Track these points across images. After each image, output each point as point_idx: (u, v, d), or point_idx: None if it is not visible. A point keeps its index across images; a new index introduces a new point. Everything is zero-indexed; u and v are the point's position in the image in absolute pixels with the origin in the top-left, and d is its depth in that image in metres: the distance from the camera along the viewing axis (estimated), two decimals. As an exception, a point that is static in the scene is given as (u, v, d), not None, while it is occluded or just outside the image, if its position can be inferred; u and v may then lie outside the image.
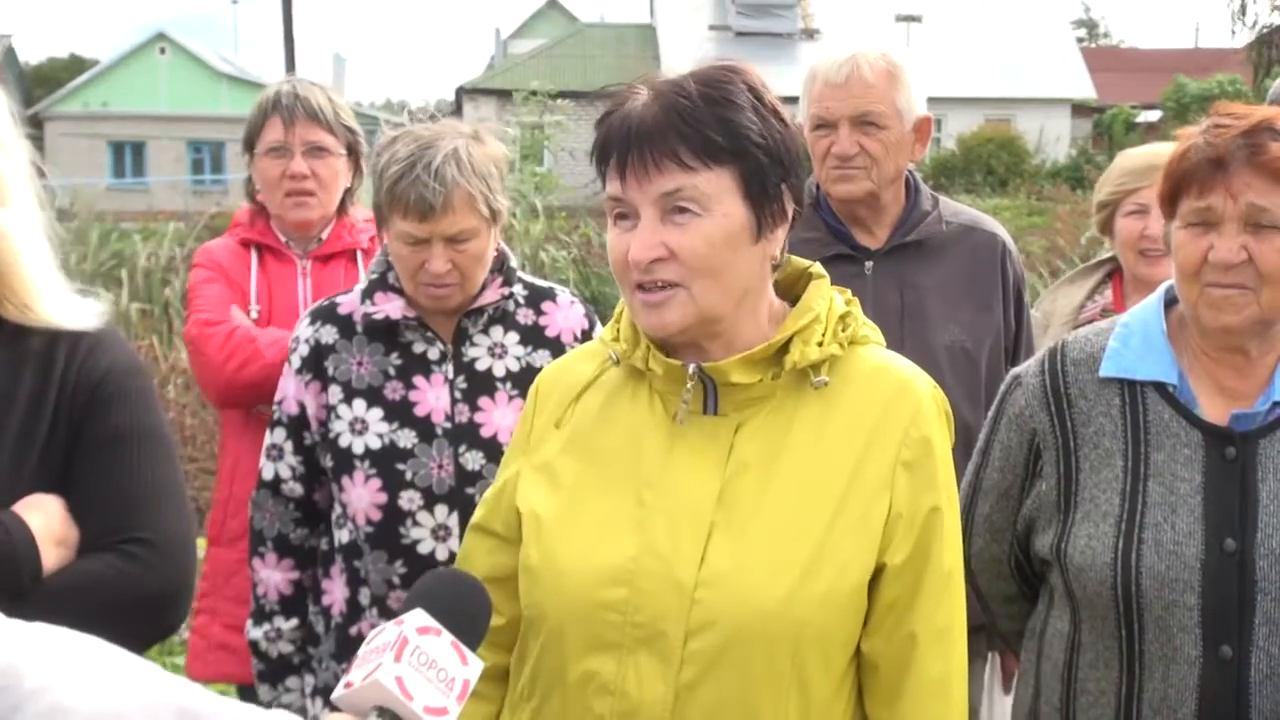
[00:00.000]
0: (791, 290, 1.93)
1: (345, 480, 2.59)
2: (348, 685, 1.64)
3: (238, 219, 3.63)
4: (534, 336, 2.69)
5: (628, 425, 1.89)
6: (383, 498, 2.56)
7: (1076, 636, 2.15)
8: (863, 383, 1.87)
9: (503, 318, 2.69)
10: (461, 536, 2.49)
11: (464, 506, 2.55)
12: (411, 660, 1.62)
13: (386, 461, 2.57)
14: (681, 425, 1.85)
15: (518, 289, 2.71)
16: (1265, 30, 41.46)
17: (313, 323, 2.68)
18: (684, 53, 32.35)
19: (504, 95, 31.74)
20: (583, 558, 1.83)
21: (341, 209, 3.50)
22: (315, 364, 2.64)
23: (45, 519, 1.91)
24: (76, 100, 46.41)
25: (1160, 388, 2.14)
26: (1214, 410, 2.12)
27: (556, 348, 2.69)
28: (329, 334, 2.65)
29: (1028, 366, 2.28)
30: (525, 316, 2.71)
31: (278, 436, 2.69)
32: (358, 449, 2.58)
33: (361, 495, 2.57)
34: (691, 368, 1.81)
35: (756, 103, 1.80)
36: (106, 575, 1.92)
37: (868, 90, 2.96)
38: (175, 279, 12.00)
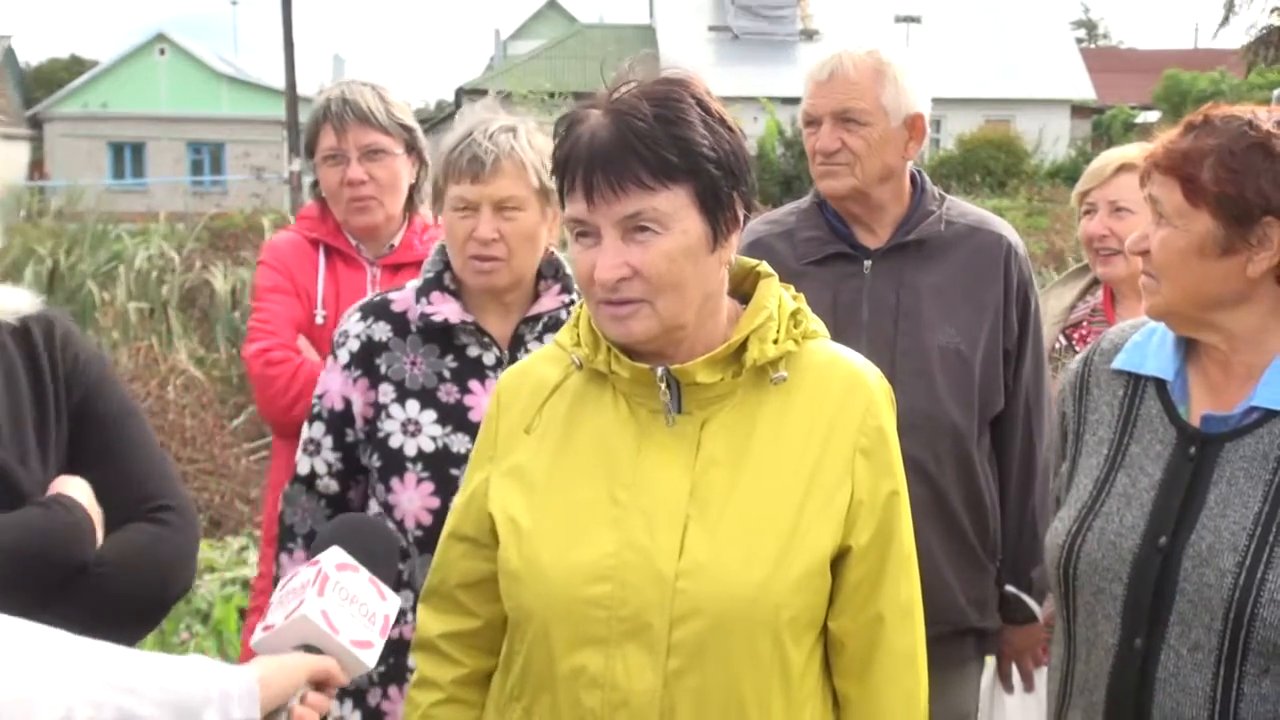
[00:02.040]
0: (740, 288, 1.97)
1: (394, 482, 2.57)
2: (267, 629, 1.67)
3: (306, 212, 3.63)
4: None
5: (595, 427, 1.92)
6: (435, 502, 2.55)
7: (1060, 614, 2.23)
8: (817, 376, 1.94)
9: (557, 326, 2.61)
10: None
11: None
12: (334, 595, 1.66)
13: (440, 465, 2.56)
14: (654, 424, 1.89)
15: (575, 297, 2.68)
16: (1263, 31, 41.60)
17: (364, 318, 2.66)
18: (683, 53, 32.34)
19: (504, 95, 31.68)
20: (564, 557, 1.86)
21: (410, 205, 3.49)
22: (366, 361, 2.62)
23: (87, 497, 1.98)
24: (76, 101, 46.33)
25: (1159, 384, 2.16)
26: (1200, 410, 2.13)
27: None
28: (382, 331, 2.63)
29: (1081, 353, 2.34)
30: None
31: (316, 431, 2.66)
32: (410, 450, 2.57)
33: (413, 498, 2.55)
34: (660, 371, 1.85)
35: (705, 116, 1.83)
36: (149, 542, 2.01)
37: (850, 87, 2.98)
38: (172, 278, 11.99)
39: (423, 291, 2.62)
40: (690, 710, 1.83)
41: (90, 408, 2.06)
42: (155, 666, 1.46)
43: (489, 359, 2.62)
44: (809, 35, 37.20)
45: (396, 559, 1.85)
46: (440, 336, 2.61)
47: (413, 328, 2.62)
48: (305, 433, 2.67)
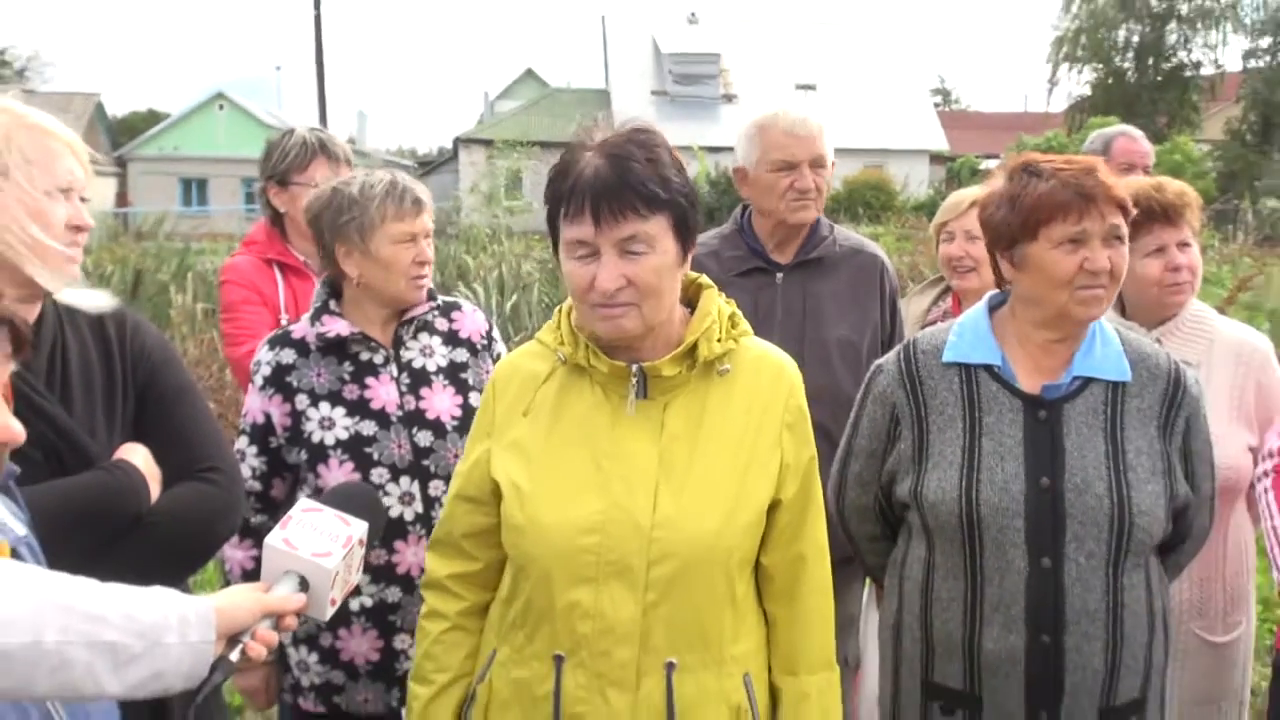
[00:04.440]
0: (685, 296, 1.97)
1: (321, 467, 2.49)
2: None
3: (254, 236, 3.49)
4: (451, 338, 2.64)
5: (579, 410, 1.90)
6: (356, 476, 2.48)
7: (931, 559, 2.16)
8: (751, 368, 1.95)
9: (426, 325, 2.63)
10: (422, 501, 2.52)
11: (422, 476, 2.52)
12: (295, 528, 1.62)
13: (356, 448, 2.49)
14: (626, 407, 1.88)
15: (437, 302, 2.65)
16: (1077, 99, 42.14)
17: (272, 348, 2.57)
18: (632, 111, 32.36)
19: (490, 144, 31.68)
20: (560, 513, 1.85)
21: None
22: (278, 380, 2.53)
23: (145, 462, 1.95)
24: (153, 145, 45.73)
25: (988, 368, 2.17)
26: (1029, 384, 2.16)
27: (469, 345, 2.65)
28: (288, 355, 2.55)
29: (887, 358, 2.29)
30: (442, 324, 2.66)
31: (242, 443, 2.56)
32: (329, 441, 2.49)
33: (337, 477, 2.47)
34: (635, 367, 1.86)
35: (672, 159, 1.85)
36: (196, 497, 1.99)
37: (816, 139, 3.02)
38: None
39: (315, 317, 2.56)
40: (662, 633, 1.84)
41: (154, 386, 2.03)
42: (121, 595, 1.37)
43: (378, 358, 2.55)
44: (729, 98, 37.23)
45: (366, 498, 1.83)
46: (336, 349, 2.54)
47: (312, 347, 2.54)
48: (235, 445, 2.55)
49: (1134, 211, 2.16)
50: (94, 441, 1.93)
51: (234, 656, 1.46)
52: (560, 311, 1.96)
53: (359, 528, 1.67)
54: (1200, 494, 2.20)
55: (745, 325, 1.96)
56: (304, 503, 1.69)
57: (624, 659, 1.84)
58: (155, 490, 1.94)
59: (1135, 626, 2.10)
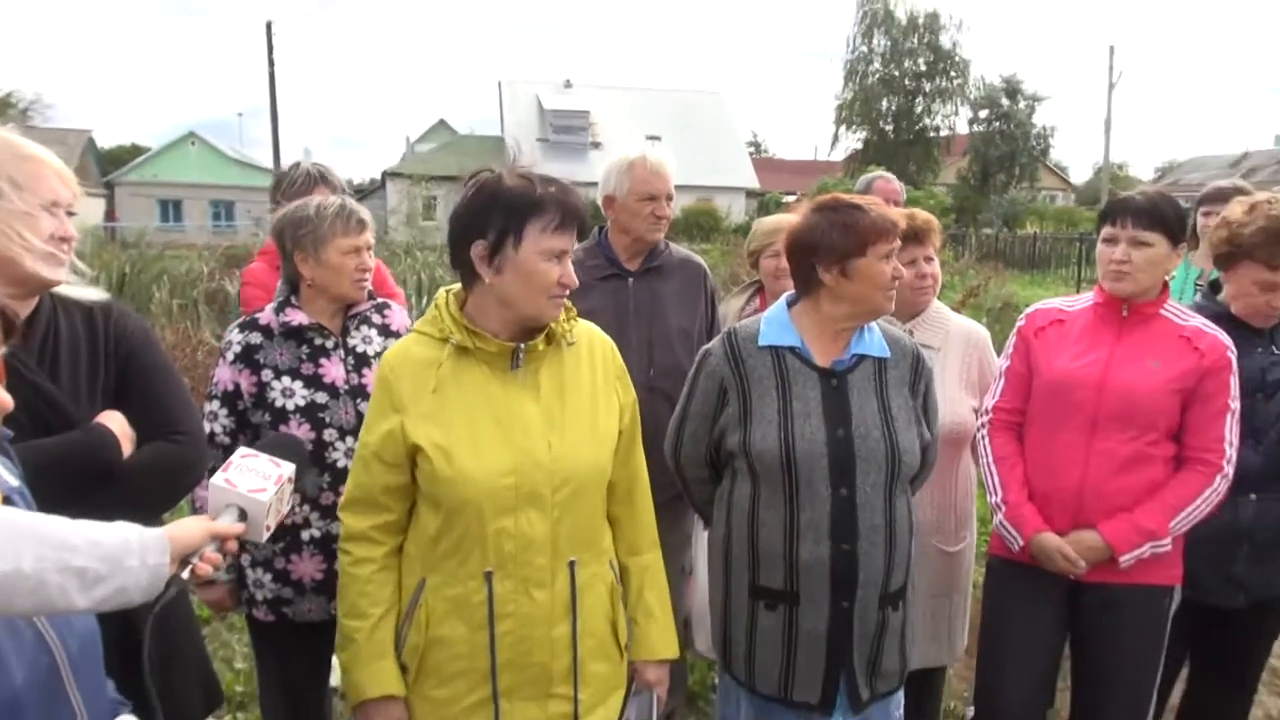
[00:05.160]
0: None
1: (282, 428, 2.41)
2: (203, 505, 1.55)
3: (268, 247, 3.30)
4: (385, 330, 2.58)
5: (474, 382, 1.85)
6: (313, 434, 2.41)
7: (756, 493, 2.16)
8: (586, 340, 1.97)
9: (366, 319, 2.56)
10: None
11: None
12: (235, 471, 1.57)
13: (312, 412, 2.42)
14: (508, 376, 1.86)
15: (374, 301, 2.59)
16: (853, 151, 43.21)
17: (242, 331, 2.47)
18: (524, 156, 32.10)
19: (411, 177, 30.99)
20: (481, 463, 1.80)
21: None
22: (247, 357, 2.43)
23: (119, 425, 1.85)
24: (135, 173, 43.28)
25: (792, 349, 2.18)
26: (822, 360, 2.18)
27: (397, 336, 2.58)
28: (255, 337, 2.45)
29: (714, 343, 2.28)
30: (378, 318, 2.59)
31: (214, 405, 2.45)
32: (290, 406, 2.41)
33: (297, 435, 2.39)
34: (523, 346, 1.85)
35: None
36: (163, 456, 1.89)
37: (670, 178, 3.05)
38: (200, 285, 11.30)
39: (279, 309, 2.48)
40: (565, 540, 1.85)
41: (133, 362, 1.93)
42: (88, 528, 1.32)
43: (329, 343, 2.48)
44: (596, 145, 37.04)
45: (297, 448, 1.77)
46: (295, 334, 2.46)
47: (275, 332, 2.46)
48: (206, 407, 2.46)
49: None
50: (77, 409, 1.82)
51: (185, 575, 1.42)
52: (440, 308, 1.90)
53: (288, 468, 1.62)
54: (934, 436, 2.26)
55: (575, 311, 1.96)
56: (242, 450, 1.62)
57: (541, 564, 1.83)
58: (128, 448, 1.84)
59: (902, 535, 2.15)
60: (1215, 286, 2.76)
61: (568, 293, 1.83)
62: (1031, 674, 2.54)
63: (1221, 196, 3.52)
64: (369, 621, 1.86)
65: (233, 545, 1.52)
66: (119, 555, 1.31)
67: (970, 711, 2.64)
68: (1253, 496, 2.59)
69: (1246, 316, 2.63)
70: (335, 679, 2.49)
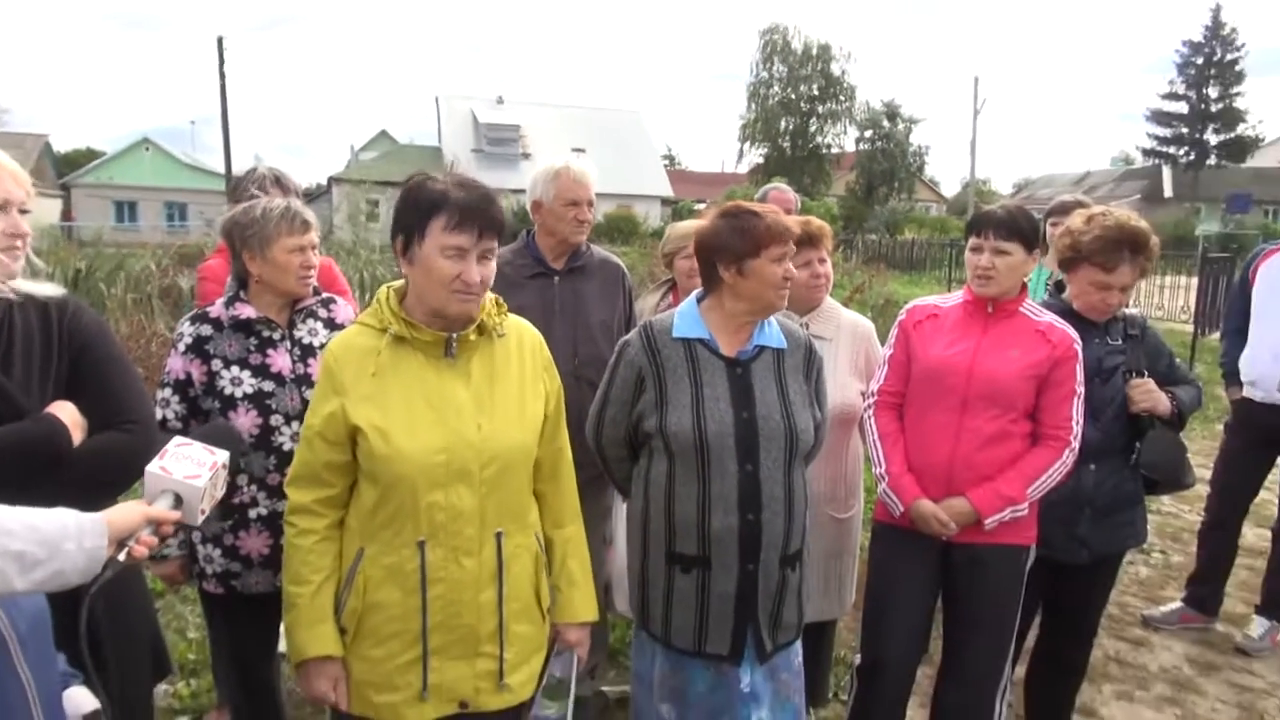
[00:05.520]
0: None
1: (230, 414, 2.31)
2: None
3: (223, 246, 3.20)
4: (330, 323, 2.50)
5: (408, 368, 1.81)
6: (260, 421, 2.32)
7: (672, 470, 2.14)
8: (515, 333, 1.94)
9: (312, 313, 2.47)
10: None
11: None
12: (170, 459, 1.50)
13: (259, 399, 2.33)
14: (442, 363, 1.82)
15: (320, 297, 2.51)
16: (754, 165, 43.69)
17: (194, 323, 2.37)
18: (460, 165, 31.65)
19: (355, 182, 30.25)
20: (415, 442, 1.77)
21: None
22: (198, 348, 2.34)
23: (69, 414, 1.74)
24: (91, 176, 41.10)
25: (702, 341, 2.18)
26: (728, 350, 2.18)
27: (341, 329, 2.46)
28: (205, 330, 2.36)
29: (632, 335, 2.26)
30: (323, 312, 2.50)
31: (166, 393, 2.35)
32: (238, 394, 2.32)
33: (243, 422, 2.31)
34: (452, 335, 1.81)
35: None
36: (113, 444, 1.76)
37: (591, 186, 2.98)
38: (154, 281, 10.84)
39: (228, 303, 2.39)
40: (493, 513, 1.82)
41: (87, 354, 1.81)
42: (26, 514, 1.25)
43: (276, 335, 2.39)
44: (526, 156, 36.65)
45: (232, 436, 1.70)
46: (244, 327, 2.37)
47: (225, 325, 2.37)
48: (159, 394, 2.36)
49: None
50: (28, 400, 1.71)
51: (121, 557, 1.36)
52: (381, 302, 1.85)
53: (222, 455, 1.55)
54: (824, 417, 2.28)
55: (505, 306, 1.93)
56: (178, 439, 1.54)
57: (470, 535, 1.80)
58: (78, 437, 1.72)
59: (799, 505, 2.16)
60: (1060, 286, 2.85)
61: (474, 290, 1.76)
62: (910, 624, 2.59)
63: (1065, 209, 3.61)
64: (310, 587, 1.82)
65: (168, 529, 1.46)
66: (56, 539, 1.25)
67: (858, 658, 2.68)
68: (1092, 466, 2.70)
69: (1085, 312, 2.73)
70: (283, 645, 2.41)
